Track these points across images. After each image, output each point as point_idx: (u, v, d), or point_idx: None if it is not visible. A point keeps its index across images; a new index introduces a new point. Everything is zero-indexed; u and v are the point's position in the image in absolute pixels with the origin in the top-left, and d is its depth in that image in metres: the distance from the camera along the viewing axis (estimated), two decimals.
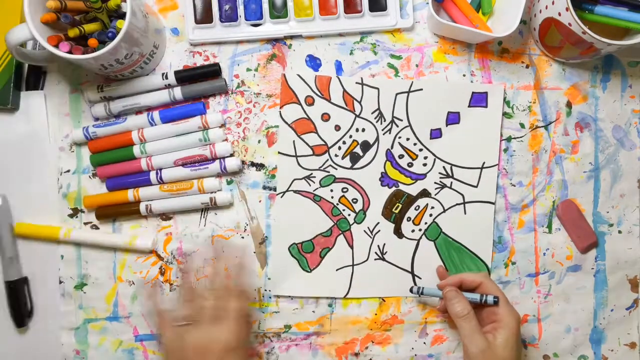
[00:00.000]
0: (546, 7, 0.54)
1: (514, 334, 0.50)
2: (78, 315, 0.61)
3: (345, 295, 0.60)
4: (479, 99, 0.59)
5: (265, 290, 0.61)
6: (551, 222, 0.61)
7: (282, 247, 0.60)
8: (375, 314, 0.60)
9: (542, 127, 0.61)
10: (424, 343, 0.61)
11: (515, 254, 0.61)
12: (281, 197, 0.60)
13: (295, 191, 0.60)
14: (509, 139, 0.60)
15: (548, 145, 0.60)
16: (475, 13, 0.58)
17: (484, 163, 0.60)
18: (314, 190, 0.60)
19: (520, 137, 0.60)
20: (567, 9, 0.51)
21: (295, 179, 0.60)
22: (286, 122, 0.60)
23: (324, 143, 0.60)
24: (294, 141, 0.60)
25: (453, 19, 0.59)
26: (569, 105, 0.61)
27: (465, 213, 0.60)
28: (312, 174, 0.60)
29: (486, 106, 0.59)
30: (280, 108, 0.59)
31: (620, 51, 0.60)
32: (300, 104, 0.59)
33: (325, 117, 0.60)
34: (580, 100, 0.61)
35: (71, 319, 0.61)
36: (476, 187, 0.60)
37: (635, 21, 0.52)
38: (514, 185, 0.60)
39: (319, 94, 0.59)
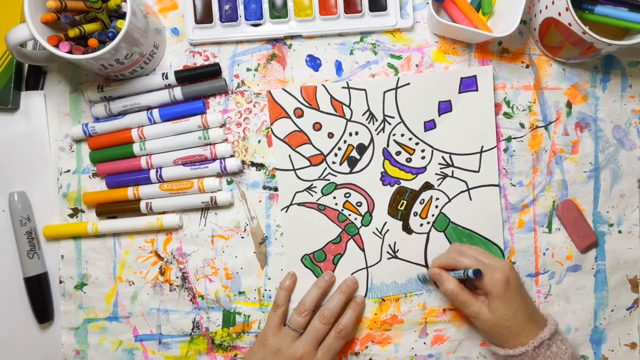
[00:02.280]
0: (546, 7, 0.54)
1: (500, 297, 0.52)
2: (78, 315, 0.61)
3: (365, 297, 0.60)
4: (468, 84, 0.59)
5: (265, 290, 0.61)
6: (551, 222, 0.61)
7: (295, 259, 0.60)
8: (375, 314, 0.60)
9: (542, 127, 0.61)
10: (424, 343, 0.61)
11: (515, 253, 0.61)
12: (285, 211, 0.60)
13: (298, 204, 0.60)
14: (509, 139, 0.60)
15: (548, 145, 0.60)
16: (475, 13, 0.58)
17: (482, 147, 0.60)
18: (317, 200, 0.60)
19: (520, 137, 0.60)
20: (567, 9, 0.51)
21: (297, 192, 0.60)
22: (279, 138, 0.60)
23: (319, 152, 0.60)
24: (289, 155, 0.60)
25: (453, 19, 0.59)
26: (569, 105, 0.61)
27: (470, 199, 0.60)
28: (312, 184, 0.60)
29: (477, 89, 0.59)
30: (270, 125, 0.60)
31: (620, 51, 0.60)
32: (289, 118, 0.59)
33: (317, 126, 0.60)
34: (580, 100, 0.61)
35: (71, 319, 0.61)
36: (478, 171, 0.60)
37: (635, 21, 0.52)
38: (514, 185, 0.60)
39: (306, 104, 0.59)
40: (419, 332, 0.61)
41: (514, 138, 0.60)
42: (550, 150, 0.60)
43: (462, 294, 0.54)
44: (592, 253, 0.61)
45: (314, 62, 0.60)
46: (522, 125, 0.60)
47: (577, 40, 0.53)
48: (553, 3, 0.53)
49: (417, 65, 0.60)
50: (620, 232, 0.61)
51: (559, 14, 0.52)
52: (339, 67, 0.60)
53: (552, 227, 0.61)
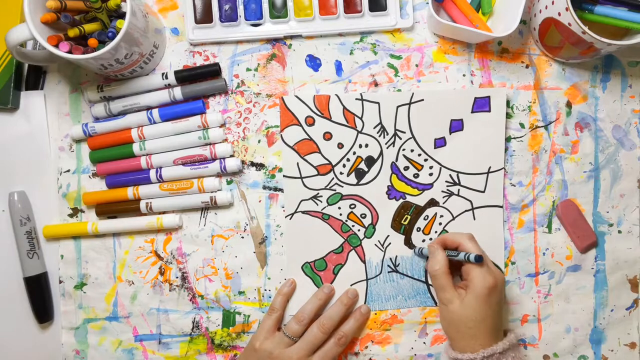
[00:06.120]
0: (546, 7, 0.54)
1: (478, 296, 0.51)
2: (78, 315, 0.61)
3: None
4: (481, 104, 0.59)
5: (265, 290, 0.61)
6: (551, 222, 0.61)
7: (296, 267, 0.60)
8: (375, 314, 0.60)
9: (542, 127, 0.61)
10: (424, 343, 0.61)
11: (515, 253, 0.61)
12: (290, 219, 0.60)
13: (303, 212, 0.60)
14: (508, 139, 0.60)
15: (548, 145, 0.60)
16: (475, 13, 0.58)
17: (489, 168, 0.60)
18: (322, 210, 0.60)
19: (520, 137, 0.60)
20: (567, 9, 0.51)
21: (302, 200, 0.60)
22: (288, 145, 0.59)
23: (328, 162, 0.60)
24: (297, 163, 0.59)
25: (453, 19, 0.59)
26: (569, 105, 0.61)
27: (474, 219, 0.60)
28: (318, 193, 0.60)
29: (489, 110, 0.59)
30: (281, 131, 0.59)
31: (620, 51, 0.60)
32: (300, 125, 0.59)
33: (327, 136, 0.59)
34: (580, 100, 0.61)
35: (71, 319, 0.61)
36: (483, 192, 0.60)
37: (635, 21, 0.52)
38: (514, 185, 0.60)
39: (319, 113, 0.59)
40: (418, 332, 0.61)
41: (514, 138, 0.60)
42: (550, 150, 0.60)
43: (444, 277, 0.53)
44: (592, 253, 0.61)
45: (313, 62, 0.60)
46: (522, 125, 0.60)
47: (577, 40, 0.53)
48: (553, 3, 0.53)
49: (417, 65, 0.60)
50: (620, 232, 0.61)
51: (559, 14, 0.52)
52: (338, 67, 0.60)
53: (552, 227, 0.61)
